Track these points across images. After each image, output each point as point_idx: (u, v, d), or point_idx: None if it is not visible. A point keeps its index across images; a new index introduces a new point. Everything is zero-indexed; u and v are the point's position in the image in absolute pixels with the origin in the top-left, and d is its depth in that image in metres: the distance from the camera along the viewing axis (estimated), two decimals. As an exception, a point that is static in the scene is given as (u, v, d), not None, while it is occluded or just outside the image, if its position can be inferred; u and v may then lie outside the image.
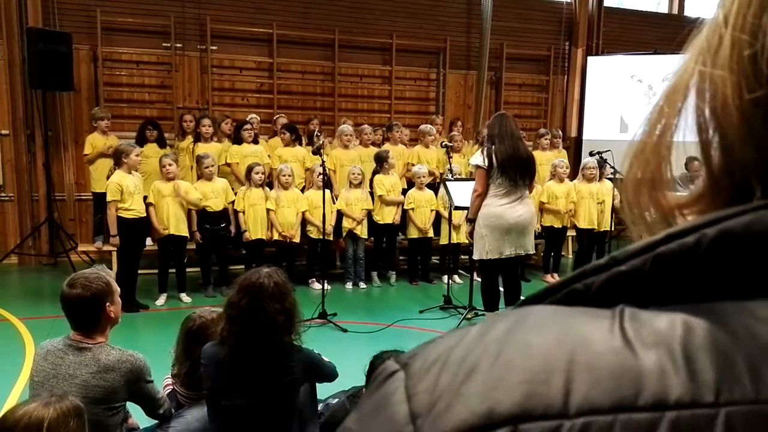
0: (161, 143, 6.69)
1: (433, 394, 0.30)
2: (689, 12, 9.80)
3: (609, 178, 6.57)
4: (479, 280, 5.02)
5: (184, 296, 5.79)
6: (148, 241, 5.71)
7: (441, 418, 0.29)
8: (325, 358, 2.62)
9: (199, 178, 5.96)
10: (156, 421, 2.67)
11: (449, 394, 0.29)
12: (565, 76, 9.31)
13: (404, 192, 6.64)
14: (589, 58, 8.98)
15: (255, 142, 6.66)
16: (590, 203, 6.80)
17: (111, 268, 4.80)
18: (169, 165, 5.66)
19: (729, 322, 0.29)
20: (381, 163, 6.49)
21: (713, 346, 0.28)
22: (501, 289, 4.87)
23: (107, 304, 2.38)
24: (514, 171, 4.51)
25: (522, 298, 4.94)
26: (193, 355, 2.66)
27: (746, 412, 0.26)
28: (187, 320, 2.76)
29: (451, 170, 5.90)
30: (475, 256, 4.76)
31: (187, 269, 5.93)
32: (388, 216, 6.44)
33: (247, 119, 6.86)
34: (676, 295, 0.31)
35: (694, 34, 0.37)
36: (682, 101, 0.36)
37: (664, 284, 0.31)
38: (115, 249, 5.64)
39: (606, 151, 6.47)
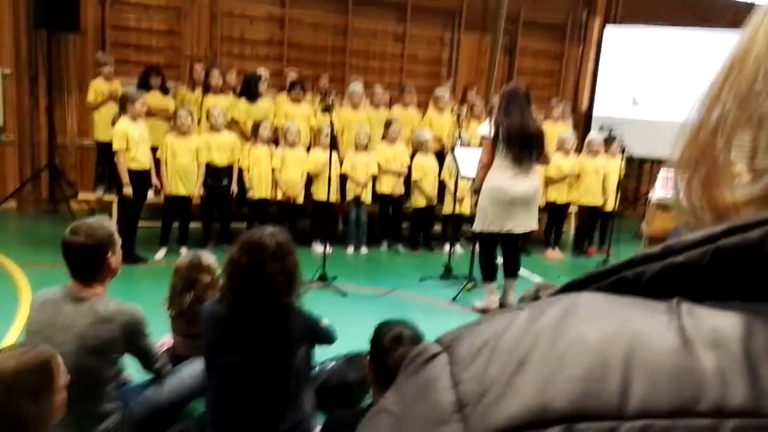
0: (164, 91, 6.56)
1: (481, 383, 0.29)
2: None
3: (623, 156, 6.48)
4: (479, 249, 5.00)
5: (184, 251, 5.76)
6: (150, 193, 5.65)
7: (491, 410, 0.28)
8: (325, 321, 2.60)
9: (209, 129, 5.88)
10: (150, 377, 2.67)
11: (500, 385, 0.28)
12: (581, 47, 9.11)
13: (411, 158, 6.55)
14: (607, 28, 8.75)
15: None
16: (594, 179, 6.73)
17: (111, 218, 4.76)
18: (186, 117, 5.58)
19: None
20: (386, 130, 6.39)
21: None
22: (500, 260, 4.84)
23: (109, 253, 2.36)
24: (521, 147, 4.44)
25: (524, 272, 4.94)
26: (188, 292, 2.68)
27: None
28: (181, 259, 2.83)
29: (460, 137, 5.82)
30: (476, 228, 4.71)
31: (190, 225, 5.90)
32: (386, 186, 6.36)
33: (256, 73, 6.71)
34: (734, 291, 0.29)
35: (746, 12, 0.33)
36: (747, 87, 0.33)
37: (722, 279, 0.29)
38: (117, 199, 5.60)
39: (615, 127, 6.37)
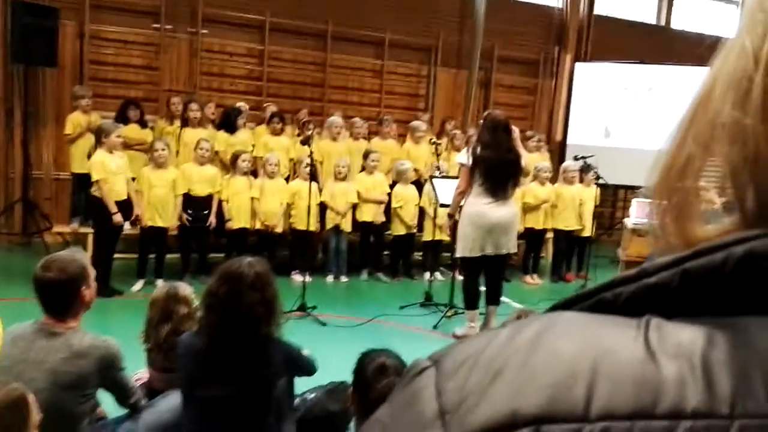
0: (143, 124, 6.58)
1: (461, 392, 0.31)
2: (676, 24, 9.94)
3: (597, 184, 6.62)
4: (461, 277, 5.02)
5: (160, 282, 5.69)
6: (126, 225, 5.60)
7: (468, 415, 0.30)
8: (305, 351, 2.58)
9: (192, 160, 5.87)
10: (126, 411, 2.61)
11: (477, 394, 0.31)
12: (554, 81, 9.37)
13: (391, 188, 6.61)
14: (577, 64, 9.05)
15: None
16: (570, 206, 6.88)
17: (86, 251, 4.70)
18: (162, 150, 5.58)
19: (750, 336, 0.30)
20: (365, 160, 6.46)
21: (732, 360, 0.29)
22: (482, 288, 4.86)
23: (83, 287, 2.32)
24: (498, 175, 4.54)
25: (504, 298, 4.98)
26: (164, 324, 2.64)
27: (759, 425, 0.27)
28: (157, 290, 2.79)
29: (438, 167, 5.89)
30: (458, 254, 4.77)
31: (167, 256, 5.84)
32: (366, 214, 6.39)
33: (236, 106, 6.76)
34: (701, 308, 0.32)
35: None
36: (709, 132, 0.34)
37: (690, 297, 0.32)
38: (92, 231, 5.53)
39: (590, 156, 6.52)
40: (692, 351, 0.29)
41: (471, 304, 4.81)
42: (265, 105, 7.34)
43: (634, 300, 0.33)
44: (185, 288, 2.82)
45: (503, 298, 5.09)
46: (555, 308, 0.36)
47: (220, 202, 5.97)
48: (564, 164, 7.19)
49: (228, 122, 6.50)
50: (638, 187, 6.80)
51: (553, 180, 7.19)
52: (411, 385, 0.34)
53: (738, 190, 0.34)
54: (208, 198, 5.87)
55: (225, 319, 2.24)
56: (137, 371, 2.92)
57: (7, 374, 2.22)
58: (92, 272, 2.40)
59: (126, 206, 5.45)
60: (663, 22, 9.97)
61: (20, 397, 1.72)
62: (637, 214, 6.06)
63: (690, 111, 0.36)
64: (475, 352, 0.33)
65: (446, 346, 0.36)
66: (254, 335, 2.26)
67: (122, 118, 6.33)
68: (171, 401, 2.61)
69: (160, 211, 5.64)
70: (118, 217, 5.22)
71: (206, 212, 5.85)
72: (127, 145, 6.19)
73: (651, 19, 9.97)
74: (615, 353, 0.30)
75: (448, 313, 5.28)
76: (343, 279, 6.39)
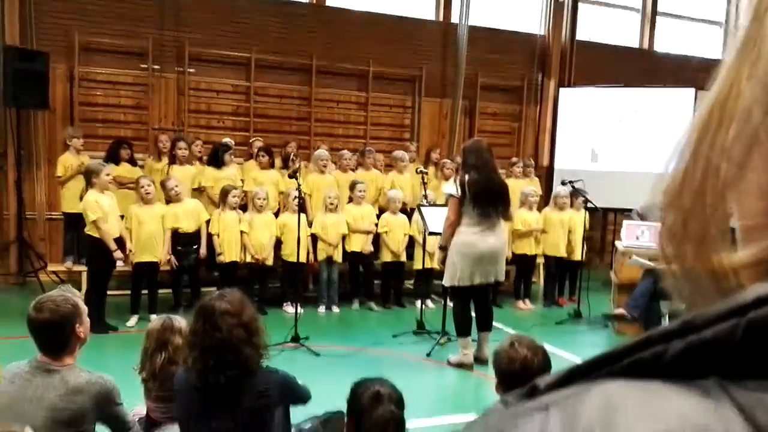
0: (133, 163, 6.69)
1: None
2: (658, 47, 10.17)
3: (586, 208, 6.70)
4: (452, 304, 5.07)
5: (153, 317, 5.71)
6: (119, 262, 5.64)
7: None
8: (299, 381, 2.62)
9: (167, 202, 5.94)
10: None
11: None
12: (538, 107, 9.54)
13: (378, 217, 6.70)
14: (561, 90, 9.23)
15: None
16: (560, 232, 6.96)
17: (80, 289, 4.74)
18: (148, 186, 5.66)
19: None
20: (352, 191, 6.56)
21: None
22: (473, 314, 4.92)
23: (77, 325, 2.36)
24: (488, 201, 4.59)
25: (496, 324, 5.02)
26: (160, 354, 2.68)
27: None
28: (153, 322, 2.87)
29: (425, 196, 5.98)
30: (446, 283, 4.81)
31: (160, 291, 5.87)
32: (355, 244, 6.47)
33: (223, 142, 6.88)
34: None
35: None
36: (742, 145, 0.30)
37: (757, 355, 0.27)
38: (86, 269, 5.57)
39: (578, 180, 6.63)
40: None
41: (463, 331, 4.83)
42: (252, 140, 7.46)
43: (684, 359, 0.28)
44: (180, 320, 2.88)
45: (496, 324, 5.14)
46: (578, 372, 0.31)
47: (210, 236, 6.04)
48: (555, 191, 7.28)
49: (216, 158, 6.61)
50: (628, 210, 6.88)
51: (541, 205, 7.30)
52: None
53: None
54: (197, 233, 5.93)
55: (208, 350, 2.26)
56: (135, 406, 2.95)
57: (6, 412, 2.25)
58: (85, 309, 2.43)
59: (120, 243, 5.51)
60: (646, 45, 10.21)
61: None
62: (627, 236, 6.10)
63: (701, 123, 0.32)
64: None
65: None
66: (239, 359, 2.27)
67: (113, 158, 6.44)
68: (168, 434, 2.64)
69: (151, 247, 5.69)
70: (118, 254, 5.31)
71: (196, 247, 5.90)
72: (120, 184, 6.29)
73: (634, 42, 10.20)
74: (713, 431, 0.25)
75: (441, 341, 5.31)
76: (335, 309, 6.43)
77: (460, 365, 4.80)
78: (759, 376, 0.26)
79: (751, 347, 0.26)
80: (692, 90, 8.21)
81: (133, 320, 5.64)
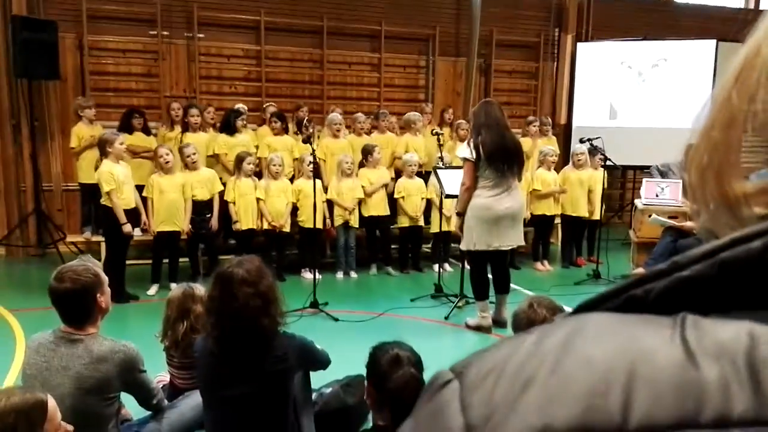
0: (147, 131, 6.65)
1: (488, 406, 0.29)
2: (678, -2, 9.83)
3: (602, 166, 6.58)
4: (470, 268, 5.04)
5: (174, 286, 5.76)
6: (137, 231, 5.67)
7: (497, 430, 0.28)
8: (318, 346, 2.63)
9: (185, 167, 5.92)
10: (149, 412, 2.68)
11: (505, 406, 0.29)
12: (555, 63, 9.32)
13: (394, 181, 6.64)
14: (579, 45, 8.98)
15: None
16: (579, 191, 6.85)
17: (99, 259, 4.78)
18: (167, 155, 5.64)
19: None
20: (365, 156, 6.49)
21: None
22: (490, 276, 4.89)
23: (98, 295, 2.38)
24: (502, 161, 4.50)
25: (515, 286, 5.01)
26: (181, 322, 2.71)
27: None
28: (174, 290, 2.90)
29: (441, 158, 5.90)
30: (463, 247, 4.77)
31: (179, 260, 5.91)
32: (374, 209, 6.43)
33: (235, 108, 6.81)
34: (739, 302, 0.30)
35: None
36: (755, 87, 0.33)
37: (727, 290, 0.30)
38: (104, 239, 5.62)
39: (596, 138, 6.50)
40: (735, 350, 0.27)
41: (481, 294, 4.81)
42: (264, 105, 7.39)
43: (667, 296, 0.31)
44: (200, 288, 2.89)
45: (514, 286, 5.11)
46: (579, 309, 0.34)
47: (227, 203, 6.03)
48: (573, 149, 7.15)
49: (228, 125, 6.55)
50: (647, 167, 6.74)
51: (560, 163, 7.17)
52: (435, 399, 0.33)
53: None
54: (209, 202, 5.92)
55: (225, 318, 2.28)
56: (158, 374, 2.99)
57: (34, 381, 2.29)
58: (106, 279, 2.45)
59: (135, 214, 5.53)
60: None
61: (31, 403, 1.78)
62: (647, 194, 5.99)
63: (734, 72, 0.35)
64: (501, 362, 0.31)
65: (468, 356, 0.34)
66: (256, 329, 2.28)
67: (126, 127, 6.40)
68: (192, 401, 2.68)
69: (173, 215, 5.69)
70: (127, 228, 5.30)
71: (208, 215, 5.90)
72: (134, 153, 6.27)
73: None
74: (651, 356, 0.28)
75: (459, 304, 5.31)
76: (353, 275, 6.44)
77: (478, 328, 4.80)
78: (726, 310, 0.30)
79: (721, 285, 0.30)
80: (713, 41, 7.93)
81: (153, 289, 5.70)
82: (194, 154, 5.83)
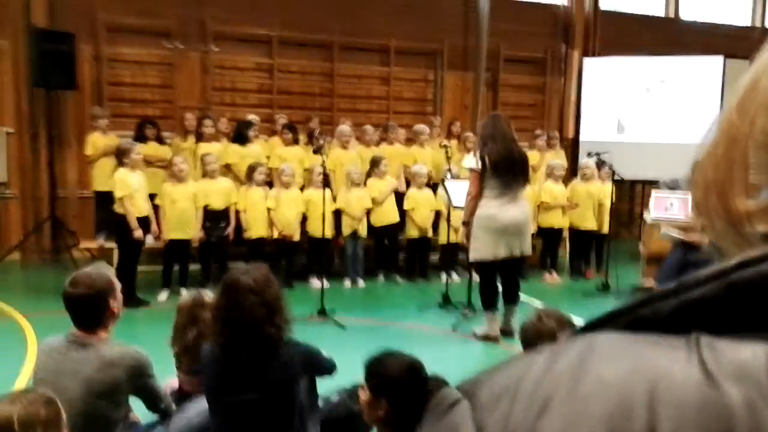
0: (160, 141, 6.78)
1: (506, 428, 0.29)
2: (684, 15, 9.88)
3: (613, 180, 6.60)
4: (478, 278, 5.07)
5: (184, 292, 5.84)
6: (149, 238, 5.77)
7: None
8: (324, 353, 2.66)
9: (203, 176, 6.02)
10: (157, 416, 2.73)
11: (525, 429, 0.28)
12: (562, 78, 9.36)
13: (403, 192, 6.70)
14: (586, 60, 9.03)
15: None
16: (588, 203, 6.88)
17: (111, 265, 4.87)
18: (182, 164, 5.76)
19: None
20: (373, 167, 6.56)
21: None
22: (499, 287, 4.92)
23: (110, 300, 2.43)
24: (508, 172, 4.55)
25: (523, 297, 5.01)
26: (191, 329, 2.75)
27: None
28: (184, 297, 2.91)
29: (450, 170, 5.96)
30: (470, 257, 4.80)
31: (190, 266, 6.00)
32: (384, 217, 6.49)
33: (247, 119, 6.93)
34: (750, 323, 0.29)
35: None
36: (754, 112, 0.34)
37: (737, 312, 0.30)
38: (117, 246, 5.72)
39: (604, 152, 6.52)
40: (757, 371, 0.27)
41: (489, 304, 4.82)
42: (276, 117, 7.49)
43: (676, 316, 0.31)
44: (210, 295, 2.94)
45: (523, 297, 5.13)
46: (587, 328, 0.34)
47: (237, 212, 6.13)
48: (581, 162, 7.18)
49: (240, 135, 6.66)
50: (655, 182, 6.75)
51: (567, 177, 7.21)
52: (445, 420, 0.32)
53: None
54: (225, 211, 6.02)
55: (230, 326, 2.30)
56: (166, 378, 3.04)
57: (44, 385, 2.34)
58: (118, 285, 2.50)
59: (146, 221, 5.64)
60: (671, 14, 9.93)
61: (48, 396, 1.83)
62: (656, 208, 5.99)
63: (738, 93, 0.35)
64: (513, 382, 0.31)
65: (474, 375, 0.33)
66: (261, 337, 2.30)
67: (140, 137, 6.53)
68: (199, 406, 2.71)
69: (184, 224, 5.80)
70: (138, 233, 5.41)
71: (224, 224, 6.00)
72: (148, 163, 6.39)
73: (659, 11, 9.93)
74: (670, 378, 0.27)
75: (467, 314, 5.34)
76: (361, 283, 6.49)
77: (486, 338, 4.82)
78: (736, 331, 0.29)
79: (731, 306, 0.29)
80: (720, 58, 7.96)
81: (164, 295, 5.78)
82: (214, 162, 5.97)
